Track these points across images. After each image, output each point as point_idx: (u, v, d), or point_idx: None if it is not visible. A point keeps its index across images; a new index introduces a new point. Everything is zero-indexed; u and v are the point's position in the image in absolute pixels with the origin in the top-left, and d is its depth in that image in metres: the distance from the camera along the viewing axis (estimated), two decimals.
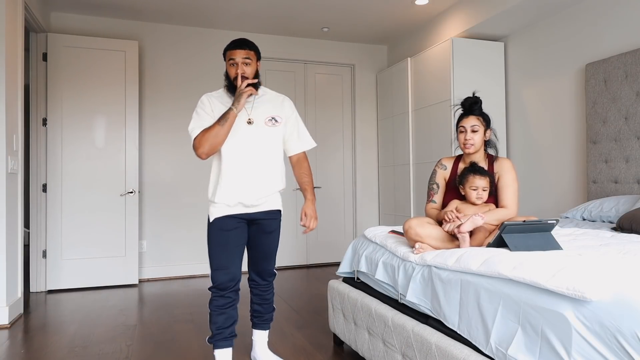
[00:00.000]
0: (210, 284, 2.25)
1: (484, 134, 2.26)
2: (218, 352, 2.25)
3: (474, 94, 2.35)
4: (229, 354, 2.26)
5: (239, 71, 2.18)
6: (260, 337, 2.49)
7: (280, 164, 2.33)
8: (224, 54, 2.25)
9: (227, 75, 2.25)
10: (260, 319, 2.47)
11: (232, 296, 2.25)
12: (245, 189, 2.23)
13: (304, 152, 2.42)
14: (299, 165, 2.40)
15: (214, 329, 2.24)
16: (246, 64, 2.20)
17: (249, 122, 2.24)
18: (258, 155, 2.25)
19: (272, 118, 2.30)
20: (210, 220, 2.28)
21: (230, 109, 2.14)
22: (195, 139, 2.17)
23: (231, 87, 2.23)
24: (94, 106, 4.41)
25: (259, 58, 2.28)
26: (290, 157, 2.41)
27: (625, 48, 3.36)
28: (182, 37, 4.91)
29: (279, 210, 2.37)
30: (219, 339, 2.24)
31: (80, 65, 4.38)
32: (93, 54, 4.41)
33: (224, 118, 2.13)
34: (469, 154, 2.28)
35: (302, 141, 2.41)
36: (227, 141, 2.21)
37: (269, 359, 2.45)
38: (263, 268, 2.41)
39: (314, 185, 5.35)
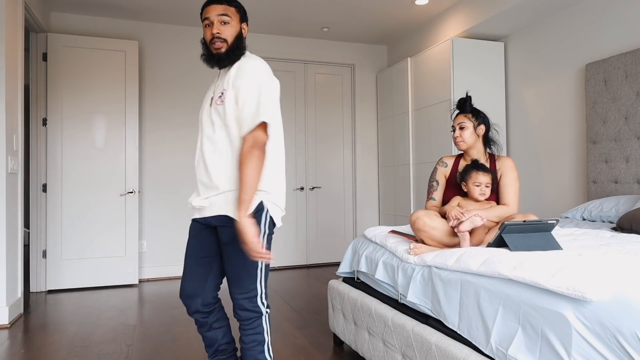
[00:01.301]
0: None
1: (475, 130, 2.31)
2: None
3: (467, 94, 2.42)
4: None
5: (214, 31, 1.71)
6: None
7: (229, 155, 1.71)
8: (201, 15, 1.78)
9: (203, 42, 1.78)
10: None
11: (199, 319, 1.81)
12: (197, 185, 1.80)
13: (250, 136, 1.63)
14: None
15: (205, 347, 1.92)
16: (223, 23, 1.72)
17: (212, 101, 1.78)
18: (206, 144, 1.75)
19: (222, 93, 1.72)
20: None
21: None
22: None
23: (208, 55, 1.77)
24: (94, 106, 4.41)
25: (243, 19, 1.80)
26: None
27: (625, 48, 3.36)
28: (182, 37, 4.91)
29: (229, 217, 1.69)
30: (211, 358, 1.90)
31: (80, 65, 4.38)
32: (93, 54, 4.41)
33: None
34: (463, 150, 2.36)
35: (244, 120, 1.66)
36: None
37: None
38: (232, 295, 1.74)
39: (315, 185, 5.42)
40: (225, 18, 1.73)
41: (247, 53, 1.80)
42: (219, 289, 1.87)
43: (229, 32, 1.73)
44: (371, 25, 4.98)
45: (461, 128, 2.31)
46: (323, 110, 5.49)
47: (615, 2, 3.43)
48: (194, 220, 1.82)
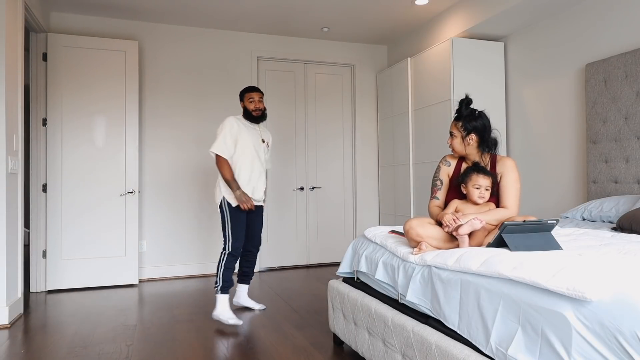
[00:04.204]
0: None
1: (463, 140, 2.29)
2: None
3: (466, 96, 2.37)
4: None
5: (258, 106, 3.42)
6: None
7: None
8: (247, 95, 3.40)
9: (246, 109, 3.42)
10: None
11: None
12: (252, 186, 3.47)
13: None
14: None
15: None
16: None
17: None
18: (260, 167, 3.44)
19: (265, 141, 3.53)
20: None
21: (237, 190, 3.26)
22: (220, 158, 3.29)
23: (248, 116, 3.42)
24: (94, 106, 4.41)
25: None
26: None
27: (625, 48, 3.36)
28: (182, 37, 4.91)
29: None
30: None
31: (80, 65, 4.38)
32: (93, 54, 4.41)
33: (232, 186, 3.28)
34: (455, 155, 2.38)
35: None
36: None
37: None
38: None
39: (315, 185, 5.42)
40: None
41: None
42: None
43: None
44: (371, 25, 4.98)
45: (451, 136, 2.33)
46: (323, 111, 5.49)
47: (615, 2, 3.43)
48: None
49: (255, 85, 3.50)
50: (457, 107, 2.36)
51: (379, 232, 2.50)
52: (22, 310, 3.52)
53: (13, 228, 3.37)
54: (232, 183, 3.23)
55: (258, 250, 3.54)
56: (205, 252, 4.91)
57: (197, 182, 4.90)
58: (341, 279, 2.77)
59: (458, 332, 1.68)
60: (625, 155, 3.28)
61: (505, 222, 1.82)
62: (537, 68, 4.10)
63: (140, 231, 4.69)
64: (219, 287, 3.23)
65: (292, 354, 2.60)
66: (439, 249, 2.07)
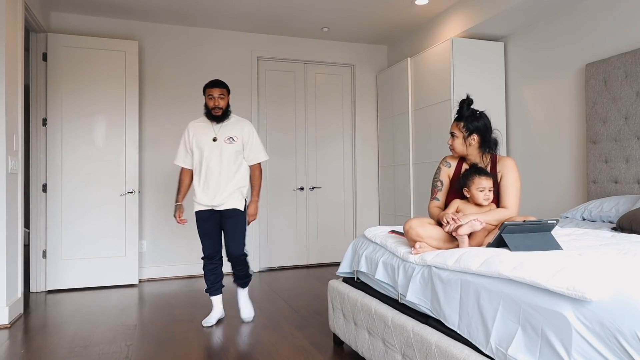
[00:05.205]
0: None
1: (464, 140, 2.28)
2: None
3: (467, 96, 2.36)
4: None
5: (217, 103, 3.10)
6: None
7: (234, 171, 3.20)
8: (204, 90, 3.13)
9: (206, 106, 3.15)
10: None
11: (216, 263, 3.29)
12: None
13: (259, 165, 3.26)
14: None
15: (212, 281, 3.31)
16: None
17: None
18: (217, 166, 3.15)
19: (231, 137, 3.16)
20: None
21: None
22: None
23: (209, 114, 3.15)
24: (94, 106, 4.41)
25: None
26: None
27: (625, 48, 3.36)
28: (182, 37, 4.91)
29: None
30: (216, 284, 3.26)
31: (80, 65, 4.38)
32: (93, 54, 4.41)
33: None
34: (456, 155, 2.38)
35: (253, 154, 3.29)
36: None
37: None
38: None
39: (315, 185, 5.42)
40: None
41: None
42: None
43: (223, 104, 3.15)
44: (371, 25, 4.98)
45: (452, 137, 2.32)
46: (323, 111, 5.49)
47: (615, 2, 3.43)
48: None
49: (219, 80, 3.10)
50: (457, 107, 2.35)
51: (379, 232, 2.50)
52: (22, 310, 3.52)
53: (13, 228, 3.37)
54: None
55: (235, 257, 3.11)
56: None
57: None
58: (341, 279, 2.78)
59: (458, 332, 1.68)
60: (625, 155, 3.28)
61: (505, 222, 1.82)
62: (537, 68, 4.10)
63: (140, 231, 4.69)
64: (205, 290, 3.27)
65: (292, 354, 2.60)
66: (439, 249, 2.07)
